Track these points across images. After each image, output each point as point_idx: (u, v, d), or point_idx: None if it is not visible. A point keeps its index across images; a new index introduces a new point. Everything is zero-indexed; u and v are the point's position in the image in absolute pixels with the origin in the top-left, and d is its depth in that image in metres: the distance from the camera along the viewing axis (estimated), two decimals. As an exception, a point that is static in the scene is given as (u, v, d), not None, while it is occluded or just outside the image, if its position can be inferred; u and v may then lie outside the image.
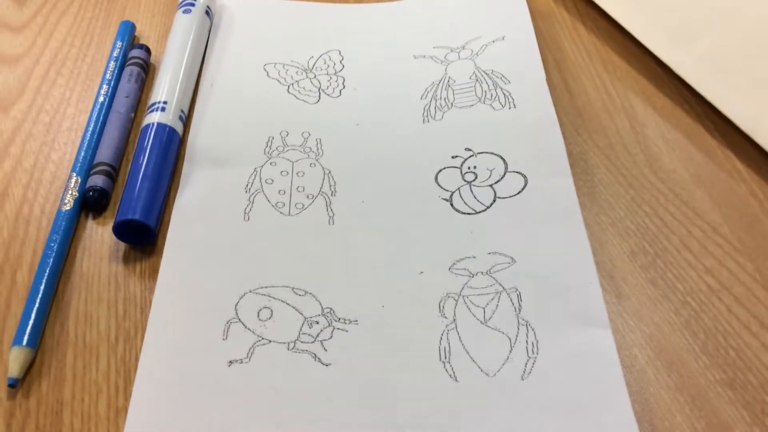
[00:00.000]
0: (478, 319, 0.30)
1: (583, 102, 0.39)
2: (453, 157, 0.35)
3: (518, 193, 0.34)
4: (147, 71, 0.40)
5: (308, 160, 0.36)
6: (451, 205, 0.34)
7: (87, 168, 0.35)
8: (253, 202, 0.34)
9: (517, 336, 0.29)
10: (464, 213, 0.33)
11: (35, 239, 0.33)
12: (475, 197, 0.34)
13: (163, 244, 0.32)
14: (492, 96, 0.38)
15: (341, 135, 0.37)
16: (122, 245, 0.33)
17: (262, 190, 0.34)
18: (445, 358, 0.29)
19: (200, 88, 0.39)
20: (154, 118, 0.35)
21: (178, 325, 0.30)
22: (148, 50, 0.40)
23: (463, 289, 0.31)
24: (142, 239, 0.32)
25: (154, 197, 0.33)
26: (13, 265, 0.32)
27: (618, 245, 0.32)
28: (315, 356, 0.29)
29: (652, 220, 0.33)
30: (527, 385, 0.28)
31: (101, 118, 0.37)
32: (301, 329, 0.30)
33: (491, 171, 0.35)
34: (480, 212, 0.33)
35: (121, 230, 0.32)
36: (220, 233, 0.33)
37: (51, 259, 0.31)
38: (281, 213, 0.34)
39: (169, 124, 0.35)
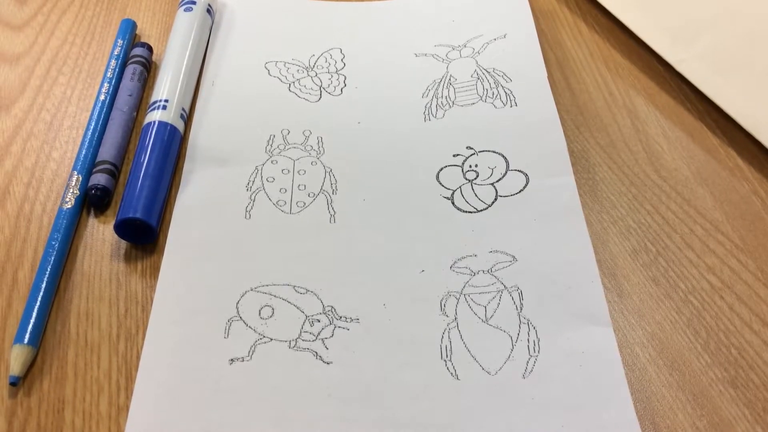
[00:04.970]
0: (479, 318, 0.30)
1: (584, 100, 0.39)
2: (454, 156, 0.35)
3: (520, 191, 0.34)
4: (149, 69, 0.40)
5: (309, 158, 0.36)
6: (453, 203, 0.34)
7: (88, 166, 0.35)
8: (254, 201, 0.34)
9: (518, 334, 0.29)
10: (465, 211, 0.33)
11: (36, 237, 0.33)
12: (476, 195, 0.34)
13: (165, 243, 0.32)
14: (493, 94, 0.38)
15: (342, 133, 0.37)
16: (123, 243, 0.33)
17: (264, 189, 0.34)
18: (447, 356, 0.29)
19: (201, 86, 0.39)
20: (155, 116, 0.35)
21: (179, 323, 0.30)
22: (150, 48, 0.40)
23: (464, 287, 0.31)
24: (144, 238, 0.32)
25: (156, 196, 0.33)
26: (15, 263, 0.32)
27: (620, 243, 0.32)
28: (316, 354, 0.29)
29: (653, 218, 0.33)
30: (528, 384, 0.28)
31: (102, 116, 0.37)
32: (302, 327, 0.30)
33: (492, 169, 0.35)
34: (481, 211, 0.33)
35: (123, 229, 0.32)
36: (221, 231, 0.33)
37: (52, 258, 0.31)
38: (282, 211, 0.34)
39: (170, 122, 0.35)
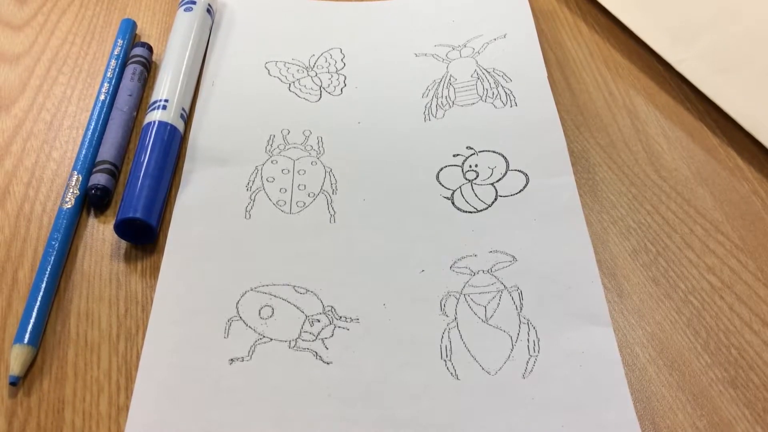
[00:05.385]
0: (479, 318, 0.30)
1: (584, 100, 0.39)
2: (454, 156, 0.35)
3: (520, 191, 0.34)
4: (149, 69, 0.40)
5: (309, 158, 0.36)
6: (453, 203, 0.34)
7: (88, 166, 0.35)
8: (254, 201, 0.34)
9: (518, 334, 0.29)
10: (465, 211, 0.33)
11: (36, 237, 0.33)
12: (476, 195, 0.34)
13: (165, 243, 0.32)
14: (493, 94, 0.38)
15: (342, 133, 0.37)
16: (123, 243, 0.33)
17: (264, 189, 0.34)
18: (447, 356, 0.29)
19: (201, 86, 0.39)
20: (155, 116, 0.35)
21: (179, 323, 0.30)
22: (150, 48, 0.40)
23: (464, 287, 0.31)
24: (144, 237, 0.32)
25: (156, 196, 0.33)
26: (15, 263, 0.32)
27: (619, 243, 0.32)
28: (316, 354, 0.29)
29: (653, 218, 0.33)
30: (528, 384, 0.28)
31: (102, 116, 0.37)
32: (302, 327, 0.30)
33: (492, 169, 0.35)
34: (481, 211, 0.33)
35: (123, 228, 0.32)
36: (221, 231, 0.33)
37: (52, 258, 0.31)
38: (282, 211, 0.34)
39: (170, 122, 0.35)
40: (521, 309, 0.30)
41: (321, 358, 0.29)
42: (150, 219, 0.32)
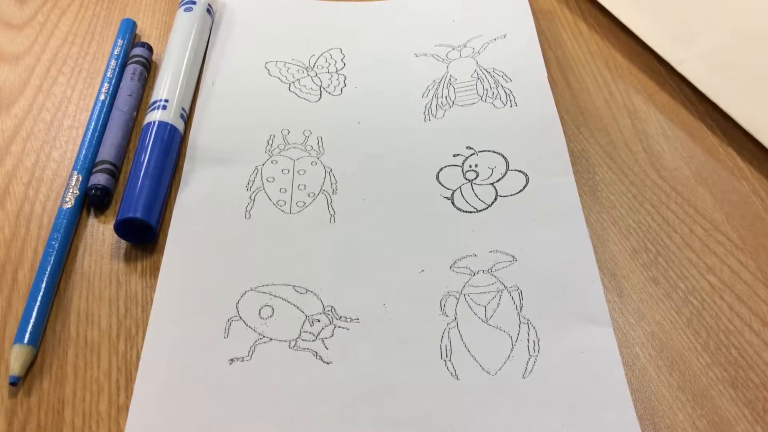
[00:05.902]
0: (479, 318, 0.30)
1: (584, 100, 0.39)
2: (454, 156, 0.35)
3: (519, 191, 0.34)
4: (149, 69, 0.40)
5: (309, 158, 0.36)
6: (453, 203, 0.34)
7: (88, 166, 0.35)
8: (254, 200, 0.34)
9: (518, 334, 0.29)
10: (465, 211, 0.33)
11: (36, 237, 0.33)
12: (476, 195, 0.34)
13: (165, 242, 0.32)
14: (493, 94, 0.38)
15: (342, 133, 0.37)
16: (123, 243, 0.33)
17: (264, 188, 0.34)
18: (447, 356, 0.29)
19: (201, 86, 0.39)
20: (155, 116, 0.35)
21: (179, 323, 0.30)
22: (150, 48, 0.40)
23: (464, 287, 0.31)
24: (144, 237, 0.32)
25: (156, 195, 0.33)
26: (15, 263, 0.32)
27: (619, 243, 0.32)
28: (316, 354, 0.29)
29: (653, 218, 0.33)
30: (528, 384, 0.28)
31: (102, 116, 0.37)
32: (302, 327, 0.30)
33: (492, 169, 0.35)
34: (481, 211, 0.33)
35: (123, 228, 0.32)
36: (221, 231, 0.33)
37: (52, 258, 0.31)
38: (282, 211, 0.34)
39: (170, 122, 0.35)
40: (521, 309, 0.30)
41: (321, 358, 0.29)
42: (150, 219, 0.32)
